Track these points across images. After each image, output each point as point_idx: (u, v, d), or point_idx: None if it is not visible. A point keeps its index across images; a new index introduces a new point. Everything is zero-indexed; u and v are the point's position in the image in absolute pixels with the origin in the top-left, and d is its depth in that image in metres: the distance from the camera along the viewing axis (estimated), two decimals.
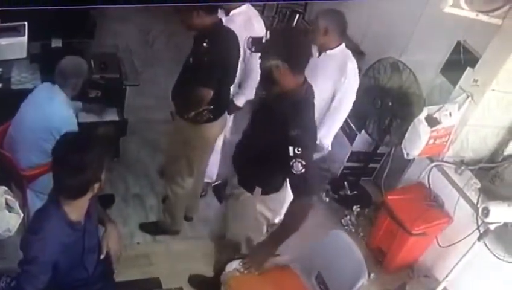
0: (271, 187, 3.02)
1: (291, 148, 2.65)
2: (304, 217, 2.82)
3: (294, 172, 2.66)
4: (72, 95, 3.45)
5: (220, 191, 3.39)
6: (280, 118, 2.74)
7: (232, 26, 3.54)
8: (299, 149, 2.65)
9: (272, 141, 2.75)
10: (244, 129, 3.15)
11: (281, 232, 2.93)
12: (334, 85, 3.78)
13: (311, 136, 2.81)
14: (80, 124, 3.53)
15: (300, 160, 2.65)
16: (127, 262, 3.57)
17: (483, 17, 3.40)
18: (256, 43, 2.81)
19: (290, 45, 2.74)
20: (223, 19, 3.61)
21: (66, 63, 3.44)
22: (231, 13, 3.87)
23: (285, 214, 2.92)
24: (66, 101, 3.41)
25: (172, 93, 3.71)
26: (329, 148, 4.03)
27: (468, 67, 3.87)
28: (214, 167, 4.33)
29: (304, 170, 2.66)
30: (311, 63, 3.75)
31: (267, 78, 2.79)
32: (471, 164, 3.96)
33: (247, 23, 3.84)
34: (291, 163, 2.65)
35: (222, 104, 3.68)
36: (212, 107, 3.53)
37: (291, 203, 2.85)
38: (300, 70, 2.78)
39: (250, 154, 3.00)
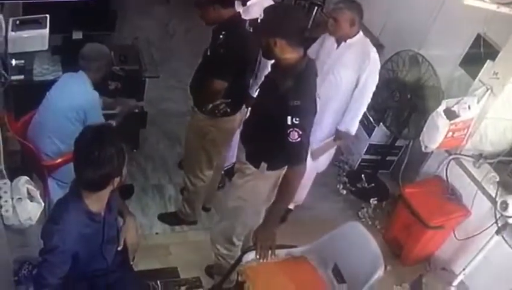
0: (275, 162, 3.07)
1: (289, 118, 2.74)
2: (298, 184, 2.96)
3: (290, 140, 2.76)
4: (95, 78, 3.51)
5: (231, 173, 3.48)
6: (282, 90, 2.84)
7: (248, 17, 3.55)
8: (297, 119, 2.74)
9: (274, 112, 2.82)
10: (252, 106, 3.25)
11: (278, 202, 3.01)
12: (358, 71, 3.80)
13: (309, 108, 2.88)
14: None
15: (297, 129, 2.75)
16: (145, 252, 3.60)
17: (504, 9, 3.35)
18: (253, 24, 2.96)
19: (283, 20, 2.84)
20: (240, 11, 3.62)
21: (87, 47, 3.55)
22: (248, 4, 3.88)
23: (281, 184, 3.00)
24: (88, 82, 3.48)
25: (190, 86, 3.74)
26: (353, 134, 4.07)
27: (488, 60, 3.84)
28: (231, 157, 4.35)
29: (299, 139, 2.75)
30: (332, 55, 3.83)
31: (268, 54, 2.93)
32: (489, 157, 3.93)
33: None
34: (288, 131, 2.75)
35: (239, 98, 3.68)
36: (229, 100, 3.54)
37: (286, 172, 2.95)
38: (297, 43, 2.87)
39: (256, 127, 3.10)
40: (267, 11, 2.91)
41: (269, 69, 3.17)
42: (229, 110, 3.58)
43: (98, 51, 3.56)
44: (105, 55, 3.58)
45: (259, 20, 2.92)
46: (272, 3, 4.00)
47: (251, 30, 3.25)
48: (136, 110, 4.33)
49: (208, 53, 3.57)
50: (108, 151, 2.41)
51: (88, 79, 3.47)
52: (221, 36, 3.40)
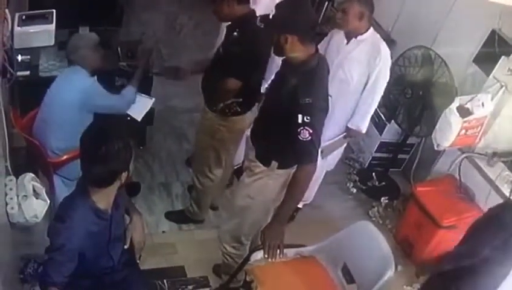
0: (286, 161, 3.03)
1: (300, 116, 2.71)
2: (308, 183, 2.92)
3: (301, 139, 2.73)
4: (89, 66, 3.46)
5: (240, 172, 3.45)
6: (292, 87, 2.80)
7: (256, 8, 3.49)
8: (308, 117, 2.71)
9: (285, 110, 2.79)
10: (261, 104, 3.21)
11: (288, 201, 2.96)
12: (369, 67, 3.76)
13: (321, 106, 2.85)
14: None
15: (308, 128, 2.71)
16: (152, 250, 3.59)
17: None
18: (265, 19, 2.97)
19: (295, 16, 2.80)
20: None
21: (70, 41, 3.55)
22: None
23: (290, 183, 2.95)
24: (84, 72, 3.44)
25: (201, 84, 3.69)
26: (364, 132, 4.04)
27: (503, 56, 3.78)
28: (241, 155, 4.30)
29: (310, 138, 2.73)
30: (341, 51, 3.79)
31: (279, 51, 2.89)
32: (503, 155, 3.89)
33: (271, 4, 3.78)
34: (298, 130, 2.71)
35: (251, 98, 3.63)
36: (241, 100, 3.50)
37: (296, 171, 2.90)
38: (308, 39, 2.84)
39: (266, 126, 3.07)
40: (278, 6, 2.87)
41: (278, 65, 3.12)
42: (239, 109, 3.54)
43: (78, 39, 3.53)
44: (87, 40, 3.52)
45: (270, 16, 2.88)
46: None
47: (262, 26, 3.20)
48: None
49: (221, 51, 3.53)
50: (115, 146, 2.39)
51: (84, 70, 3.44)
52: (235, 34, 3.36)
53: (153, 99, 4.02)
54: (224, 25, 3.61)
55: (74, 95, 3.38)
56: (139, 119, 3.87)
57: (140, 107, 3.92)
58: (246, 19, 3.37)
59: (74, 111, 3.37)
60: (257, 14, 3.44)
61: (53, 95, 3.47)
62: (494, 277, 3.16)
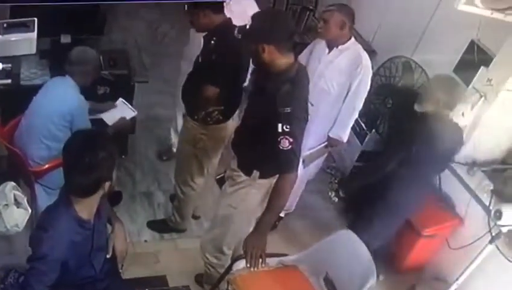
0: (267, 170, 3.04)
1: (279, 125, 2.72)
2: (289, 192, 2.91)
3: (281, 148, 2.73)
4: (83, 82, 3.45)
5: (223, 181, 3.45)
6: (272, 97, 2.80)
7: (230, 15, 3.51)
8: (288, 126, 2.72)
9: (265, 120, 2.80)
10: (242, 114, 3.21)
11: (269, 210, 2.94)
12: (350, 77, 3.79)
13: (301, 115, 2.85)
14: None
15: (288, 137, 2.72)
16: (134, 259, 3.57)
17: (498, 15, 3.32)
18: (242, 30, 2.97)
19: (271, 26, 2.82)
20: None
21: (74, 51, 3.50)
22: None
23: (272, 192, 2.95)
24: (75, 87, 3.43)
25: (181, 93, 3.70)
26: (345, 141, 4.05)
27: (482, 67, 3.81)
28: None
29: (290, 147, 2.73)
30: (323, 60, 3.81)
31: (257, 61, 2.89)
32: (483, 165, 3.89)
33: (242, 14, 3.80)
34: (278, 139, 2.72)
35: (233, 105, 3.64)
36: (222, 107, 3.51)
37: (277, 180, 2.90)
38: (286, 49, 2.84)
39: (247, 135, 3.07)
40: (254, 16, 2.88)
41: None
42: (221, 117, 3.54)
43: (86, 54, 3.50)
44: (93, 59, 3.53)
45: (247, 27, 2.89)
46: (257, 9, 3.98)
47: (239, 36, 3.21)
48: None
49: (200, 60, 3.54)
50: (98, 155, 2.38)
51: (75, 84, 3.42)
52: (212, 42, 3.38)
53: (135, 112, 3.98)
54: (195, 34, 3.64)
55: (63, 107, 3.36)
56: (110, 124, 3.77)
57: (117, 113, 3.89)
58: (222, 27, 3.38)
59: (61, 122, 3.36)
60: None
61: (40, 103, 3.44)
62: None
